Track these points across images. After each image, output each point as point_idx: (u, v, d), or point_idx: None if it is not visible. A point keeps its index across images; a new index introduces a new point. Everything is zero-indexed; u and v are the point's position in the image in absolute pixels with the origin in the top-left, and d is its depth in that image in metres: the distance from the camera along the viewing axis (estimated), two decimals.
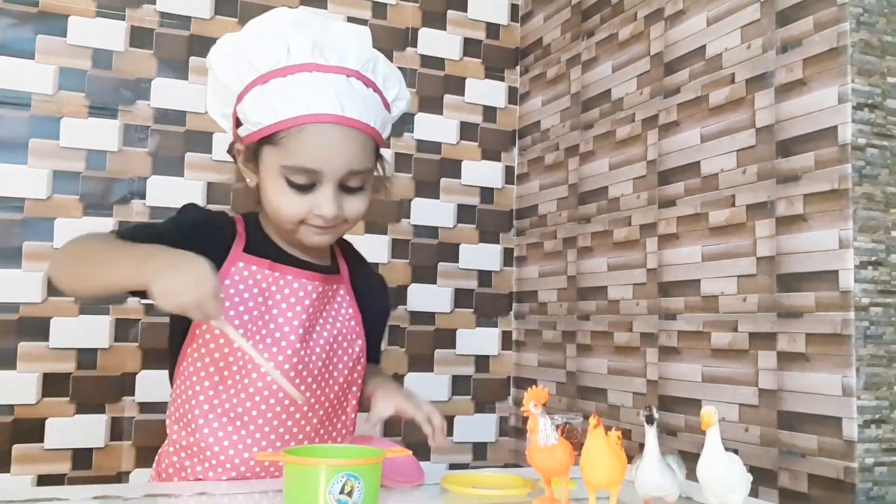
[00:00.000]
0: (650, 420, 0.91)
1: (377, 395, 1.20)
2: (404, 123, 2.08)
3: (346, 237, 1.28)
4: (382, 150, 1.19)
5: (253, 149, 1.12)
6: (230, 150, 1.21)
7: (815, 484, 1.25)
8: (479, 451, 2.11)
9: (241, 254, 1.14)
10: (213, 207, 1.84)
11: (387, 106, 1.16)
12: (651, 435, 0.92)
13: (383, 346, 1.75)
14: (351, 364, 1.21)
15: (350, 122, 1.07)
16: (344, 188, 1.11)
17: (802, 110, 1.32)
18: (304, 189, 1.09)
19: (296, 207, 1.10)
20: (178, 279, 0.95)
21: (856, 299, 1.21)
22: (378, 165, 1.19)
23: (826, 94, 1.28)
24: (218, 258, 1.10)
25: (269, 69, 1.08)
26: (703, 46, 1.55)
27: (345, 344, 1.21)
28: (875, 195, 1.23)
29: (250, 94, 1.09)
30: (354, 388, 1.24)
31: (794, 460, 1.29)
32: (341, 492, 0.88)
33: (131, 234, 1.10)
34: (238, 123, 1.14)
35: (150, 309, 1.81)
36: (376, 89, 1.13)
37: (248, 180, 1.16)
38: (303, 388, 1.13)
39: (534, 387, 0.97)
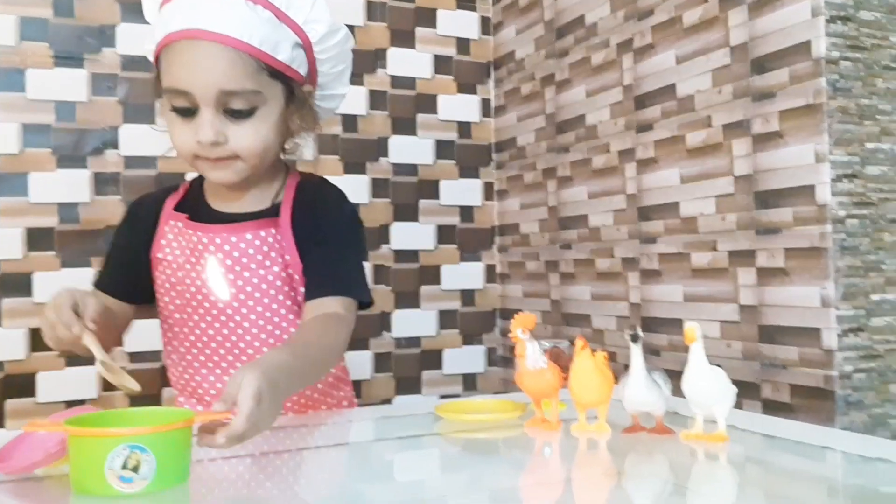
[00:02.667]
0: (635, 339, 0.93)
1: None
2: (377, 59, 2.06)
3: (325, 177, 1.23)
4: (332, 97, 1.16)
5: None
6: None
7: (796, 393, 1.29)
8: (469, 382, 2.14)
9: (171, 211, 1.14)
10: None
11: (294, 27, 1.07)
12: (636, 353, 0.94)
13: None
14: (283, 312, 1.12)
15: (214, 36, 1.00)
16: (228, 112, 1.03)
17: (776, 26, 1.32)
18: (186, 114, 1.03)
19: (184, 137, 1.04)
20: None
21: (832, 212, 1.23)
22: (291, 92, 1.09)
23: (799, 8, 1.27)
24: (153, 221, 1.14)
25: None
26: None
27: (280, 296, 1.12)
28: (849, 108, 1.24)
29: (153, 25, 1.07)
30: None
31: (776, 372, 1.32)
32: (124, 467, 0.73)
33: (100, 279, 1.18)
34: None
35: None
36: (268, 6, 1.05)
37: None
38: (241, 344, 1.11)
39: (521, 313, 0.99)
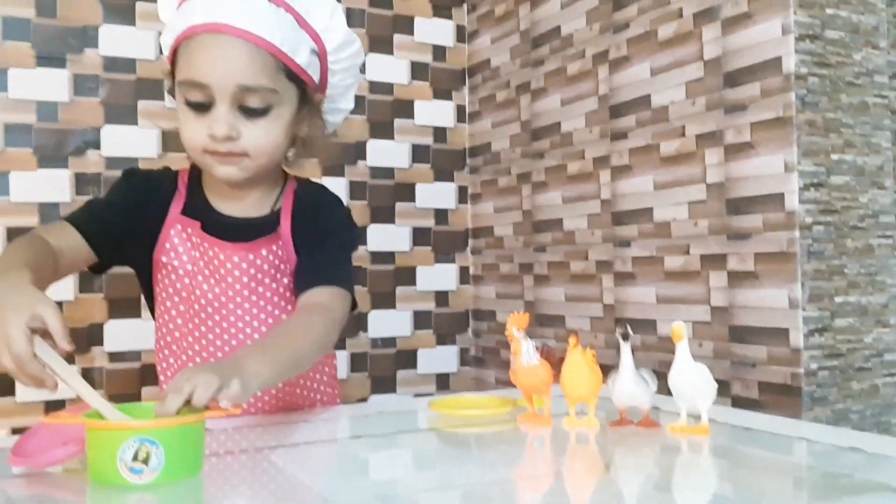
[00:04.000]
0: (625, 337, 0.99)
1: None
2: None
3: (323, 185, 1.26)
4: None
5: (171, 75, 1.09)
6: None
7: (765, 390, 1.36)
8: (442, 382, 2.19)
9: (178, 216, 1.13)
10: (171, 156, 1.85)
11: (312, 34, 1.10)
12: (626, 350, 1.00)
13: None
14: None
15: (237, 31, 1.02)
16: (243, 110, 1.04)
17: (748, 42, 1.39)
18: (200, 108, 1.04)
19: (195, 132, 1.05)
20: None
21: (800, 219, 1.31)
22: (305, 97, 1.11)
23: (770, 26, 1.35)
24: (158, 220, 1.12)
25: None
26: None
27: (288, 306, 1.15)
28: (817, 121, 1.32)
29: (172, 20, 1.08)
30: None
31: (746, 370, 1.40)
32: (134, 458, 0.77)
33: (77, 215, 1.09)
34: None
35: None
36: (290, 10, 1.08)
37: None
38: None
39: (515, 313, 1.04)
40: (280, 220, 1.15)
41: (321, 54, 1.12)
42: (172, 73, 1.09)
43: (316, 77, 1.12)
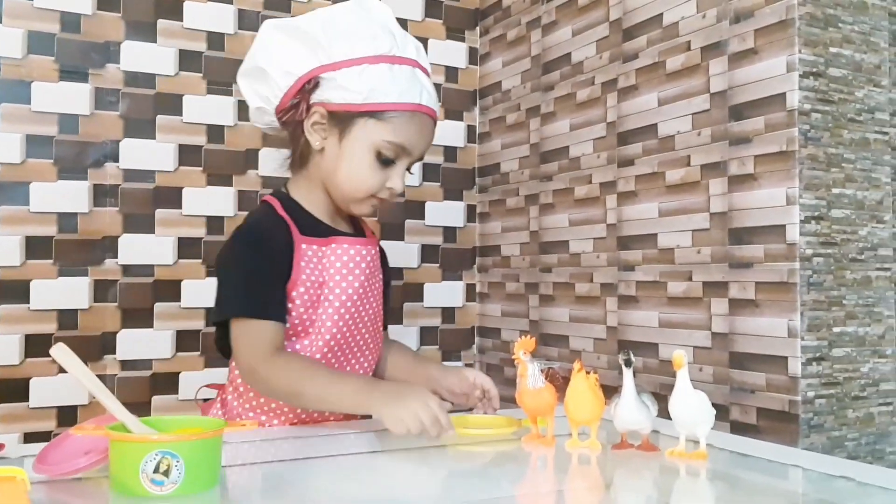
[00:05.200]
0: (628, 363, 1.02)
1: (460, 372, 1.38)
2: None
3: None
4: None
5: (340, 117, 1.22)
6: (282, 114, 1.27)
7: (762, 416, 1.39)
8: None
9: (300, 237, 1.24)
10: (185, 170, 1.90)
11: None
12: (628, 376, 1.03)
13: None
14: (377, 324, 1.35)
15: (436, 116, 1.29)
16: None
17: (754, 77, 1.43)
18: (387, 164, 1.23)
19: (374, 180, 1.24)
20: (407, 410, 1.08)
21: (801, 251, 1.34)
22: None
23: (775, 63, 1.39)
24: (288, 257, 1.22)
25: (376, 52, 1.21)
26: (661, 14, 1.65)
27: (378, 306, 1.34)
28: (818, 156, 1.36)
29: (352, 69, 1.20)
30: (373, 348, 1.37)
31: (745, 396, 1.43)
32: (156, 471, 0.81)
33: (251, 307, 1.19)
34: (314, 87, 1.23)
35: (127, 270, 1.86)
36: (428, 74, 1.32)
37: (314, 143, 1.25)
38: (353, 345, 1.28)
39: (522, 337, 1.08)
40: (366, 233, 1.38)
41: None
42: (344, 112, 1.23)
43: None
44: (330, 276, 1.24)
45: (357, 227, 1.37)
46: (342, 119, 1.22)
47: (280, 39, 1.24)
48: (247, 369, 1.18)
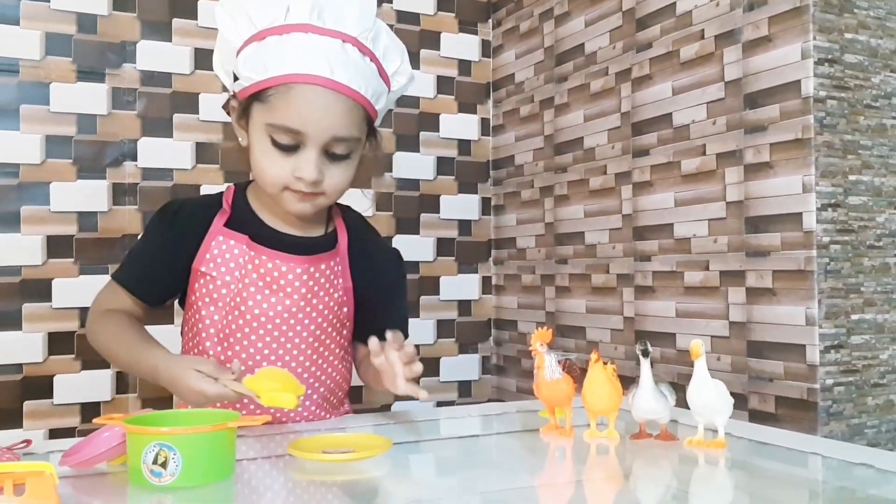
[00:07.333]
0: (645, 353, 1.03)
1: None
2: None
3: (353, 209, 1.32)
4: (387, 133, 1.25)
5: (244, 105, 1.13)
6: (225, 106, 1.21)
7: (781, 404, 1.39)
8: (464, 389, 2.24)
9: (222, 228, 1.18)
10: (201, 167, 1.92)
11: (386, 79, 1.16)
12: (646, 366, 1.04)
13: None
14: (329, 331, 1.22)
15: (337, 86, 1.07)
16: (328, 155, 1.11)
17: (768, 65, 1.43)
18: (288, 150, 1.09)
19: (278, 169, 1.10)
20: (184, 388, 1.06)
21: (817, 238, 1.34)
22: (371, 140, 1.19)
23: (790, 50, 1.38)
24: (199, 238, 1.17)
25: (266, 26, 1.08)
26: (674, 3, 1.64)
27: (331, 317, 1.21)
28: (834, 143, 1.35)
29: (247, 50, 1.10)
30: (341, 352, 1.26)
31: (763, 384, 1.43)
32: (155, 462, 0.83)
33: (124, 277, 1.21)
34: (235, 78, 1.15)
35: None
36: (374, 59, 1.13)
37: (239, 139, 1.17)
38: (287, 358, 1.19)
39: (539, 328, 1.08)
40: (337, 238, 1.23)
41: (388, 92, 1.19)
42: (245, 107, 1.13)
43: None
44: (253, 281, 1.16)
45: (330, 233, 1.24)
46: (245, 108, 1.13)
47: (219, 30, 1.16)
48: (87, 322, 1.22)
